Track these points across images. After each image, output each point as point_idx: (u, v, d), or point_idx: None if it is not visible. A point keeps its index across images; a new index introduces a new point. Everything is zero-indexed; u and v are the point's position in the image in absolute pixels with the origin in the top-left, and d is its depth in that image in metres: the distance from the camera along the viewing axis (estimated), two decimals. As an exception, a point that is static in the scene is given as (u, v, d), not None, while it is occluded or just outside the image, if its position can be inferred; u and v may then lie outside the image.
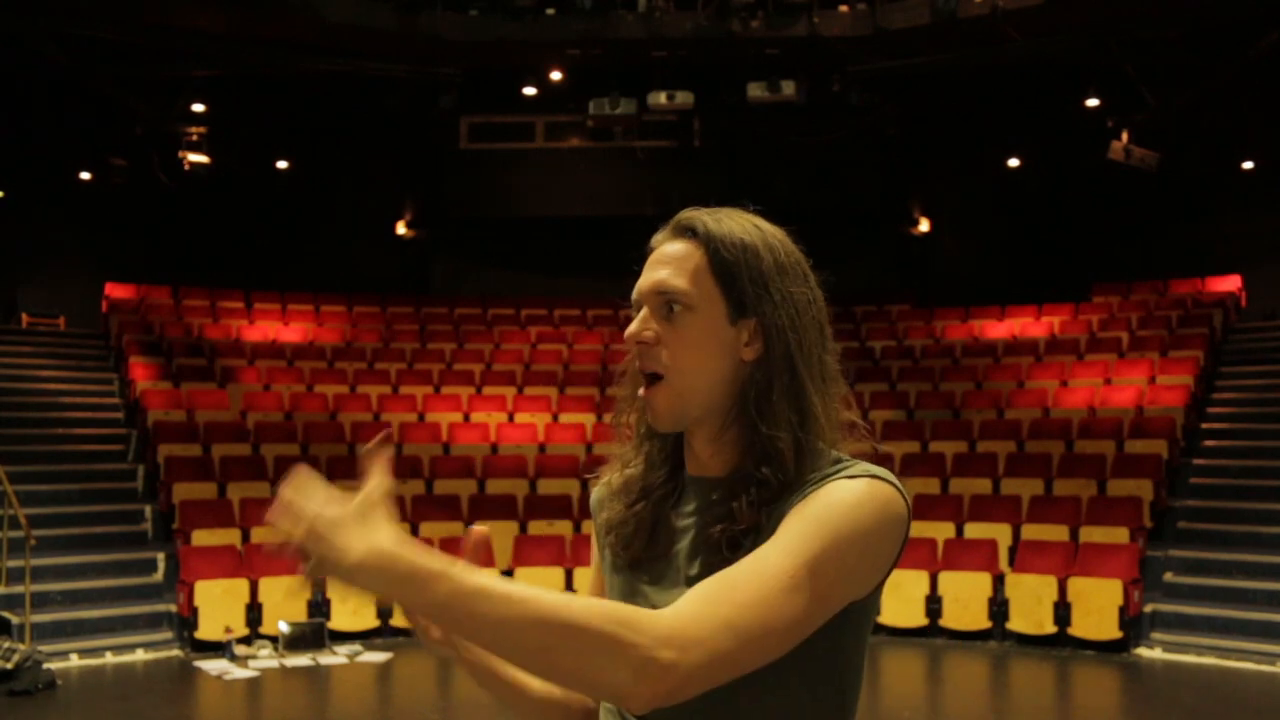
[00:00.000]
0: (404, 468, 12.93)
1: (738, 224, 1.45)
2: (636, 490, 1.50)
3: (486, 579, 1.16)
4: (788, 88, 12.89)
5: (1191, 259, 16.19)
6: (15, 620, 9.53)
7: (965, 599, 10.81)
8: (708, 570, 1.33)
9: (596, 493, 1.59)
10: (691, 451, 1.48)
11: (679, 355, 1.40)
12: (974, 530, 11.50)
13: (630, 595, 1.46)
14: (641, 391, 1.44)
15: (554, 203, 17.34)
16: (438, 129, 15.94)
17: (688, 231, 1.46)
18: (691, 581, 1.36)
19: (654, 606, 1.25)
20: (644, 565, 1.47)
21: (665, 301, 1.42)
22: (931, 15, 12.28)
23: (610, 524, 1.51)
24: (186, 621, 10.35)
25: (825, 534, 1.28)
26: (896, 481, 1.36)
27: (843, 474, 1.36)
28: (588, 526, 1.61)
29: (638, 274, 1.48)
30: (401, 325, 16.60)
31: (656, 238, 1.50)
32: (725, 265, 1.42)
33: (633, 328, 1.43)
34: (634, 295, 1.46)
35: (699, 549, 1.41)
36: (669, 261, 1.44)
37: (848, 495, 1.32)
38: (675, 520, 1.47)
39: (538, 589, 1.17)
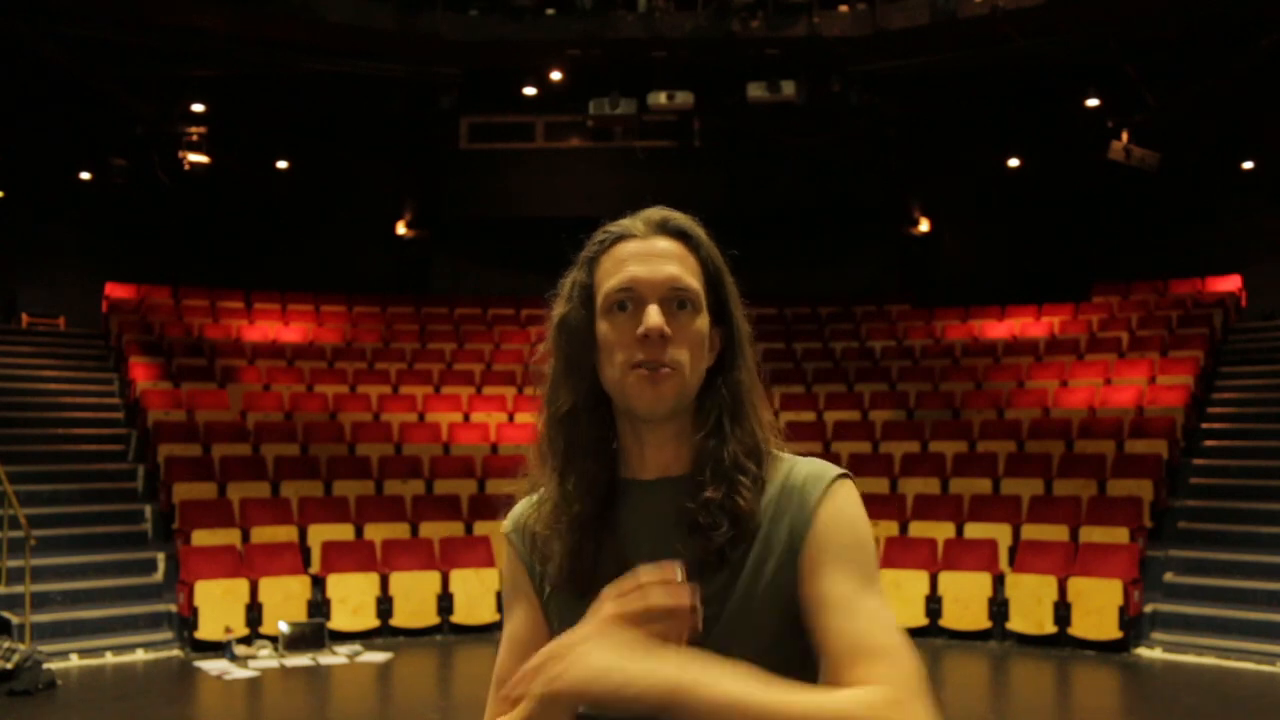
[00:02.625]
0: (404, 468, 12.95)
1: (703, 231, 1.51)
2: (567, 521, 1.45)
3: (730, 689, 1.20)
4: (788, 88, 12.89)
5: (1191, 259, 16.19)
6: (15, 620, 9.53)
7: (965, 599, 10.81)
8: (701, 572, 1.35)
9: (517, 521, 1.54)
10: (639, 454, 1.47)
11: (688, 351, 1.42)
12: (974, 530, 11.50)
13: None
14: (643, 373, 1.40)
15: (554, 203, 17.33)
16: (437, 129, 15.94)
17: (682, 234, 1.47)
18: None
19: None
20: (595, 592, 1.39)
21: (677, 298, 1.43)
22: (931, 15, 12.29)
23: (546, 560, 1.47)
24: (186, 621, 10.35)
25: (864, 554, 1.40)
26: (845, 470, 1.46)
27: (807, 472, 1.44)
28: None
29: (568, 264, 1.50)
30: (401, 325, 16.60)
31: (628, 229, 1.48)
32: (714, 272, 1.48)
33: (658, 321, 1.40)
34: (622, 284, 1.43)
35: (677, 552, 1.37)
36: (671, 258, 1.44)
37: (850, 510, 1.42)
38: (620, 534, 1.44)
39: (757, 693, 1.20)
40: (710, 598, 1.35)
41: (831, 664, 1.32)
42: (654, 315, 1.40)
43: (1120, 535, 10.97)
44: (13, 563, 10.14)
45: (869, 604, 1.34)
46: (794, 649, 1.37)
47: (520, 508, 1.56)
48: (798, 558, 1.38)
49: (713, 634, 1.33)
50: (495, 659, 1.55)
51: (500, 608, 11.84)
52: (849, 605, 1.33)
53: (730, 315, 1.49)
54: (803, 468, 1.45)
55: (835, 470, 1.43)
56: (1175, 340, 14.64)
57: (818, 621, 1.34)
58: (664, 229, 1.48)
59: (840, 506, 1.41)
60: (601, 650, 1.19)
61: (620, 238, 1.48)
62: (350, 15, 12.42)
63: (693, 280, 1.44)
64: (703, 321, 1.44)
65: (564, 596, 1.46)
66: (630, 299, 1.43)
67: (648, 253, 1.45)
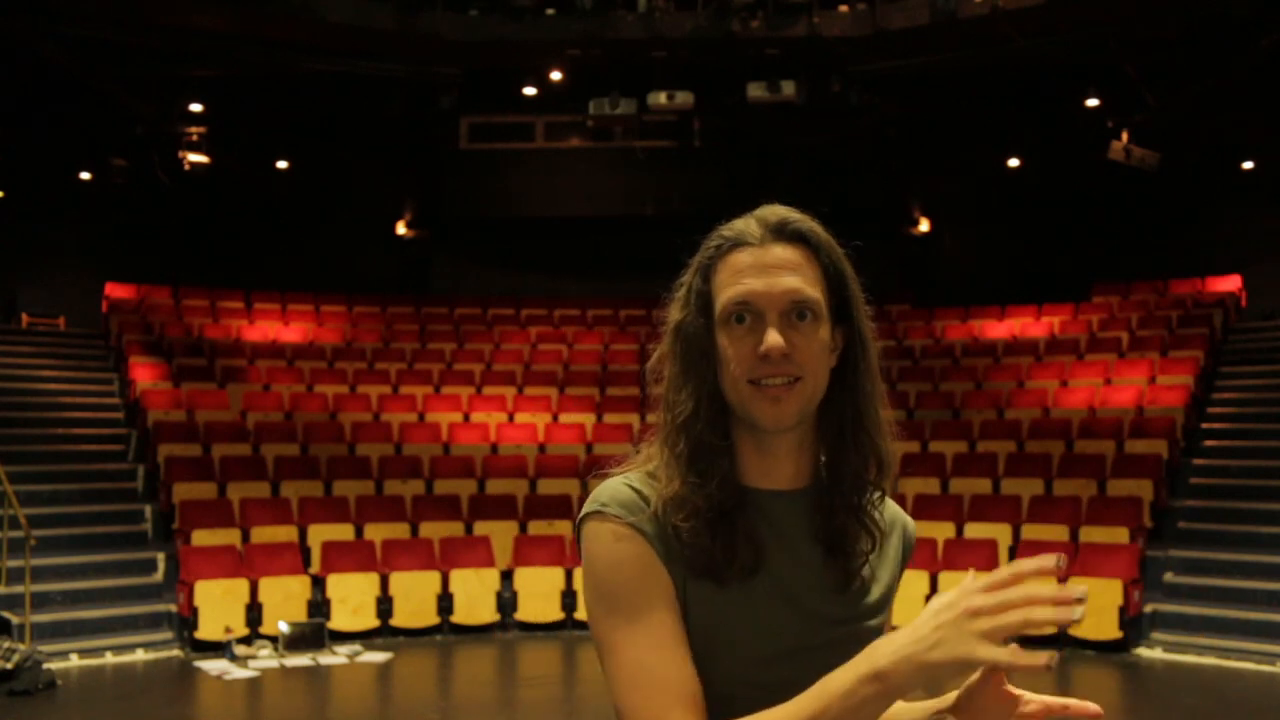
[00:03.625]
0: (404, 468, 12.95)
1: (822, 229, 1.48)
2: (705, 512, 1.39)
3: None
4: (788, 88, 12.89)
5: (1191, 259, 16.19)
6: (15, 620, 9.53)
7: (965, 599, 10.79)
8: (849, 583, 1.44)
9: (636, 511, 1.40)
10: (767, 464, 1.44)
11: (810, 362, 1.40)
12: (974, 530, 11.50)
13: (737, 617, 1.38)
14: (762, 388, 1.38)
15: (554, 203, 17.34)
16: (437, 129, 15.94)
17: (801, 238, 1.44)
18: (833, 592, 1.43)
19: (785, 621, 1.38)
20: (735, 585, 1.39)
21: (799, 309, 1.40)
22: (931, 15, 12.29)
23: (686, 549, 1.38)
24: (186, 621, 10.35)
25: None
26: None
27: (905, 520, 1.59)
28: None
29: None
30: (401, 325, 16.60)
31: (744, 234, 1.44)
32: (837, 275, 1.46)
33: (778, 340, 1.37)
34: (740, 298, 1.39)
35: (821, 561, 1.44)
36: (793, 268, 1.41)
37: None
38: (757, 535, 1.41)
39: None
40: (846, 613, 1.43)
41: None
42: (774, 335, 1.37)
43: (1120, 535, 10.97)
44: (13, 563, 10.14)
45: None
46: None
47: (621, 496, 1.41)
48: (898, 578, 1.53)
49: (851, 646, 1.30)
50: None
51: (500, 607, 11.77)
52: None
53: (853, 316, 1.47)
54: (892, 505, 1.56)
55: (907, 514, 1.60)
56: (1175, 340, 14.64)
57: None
58: (781, 234, 1.44)
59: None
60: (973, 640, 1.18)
61: (736, 244, 1.44)
62: (350, 15, 12.42)
63: (812, 289, 1.41)
64: (825, 330, 1.42)
65: (705, 586, 1.38)
66: (748, 312, 1.40)
67: (765, 263, 1.41)
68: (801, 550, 1.42)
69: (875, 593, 1.47)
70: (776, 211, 1.46)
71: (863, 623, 1.44)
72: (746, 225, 1.45)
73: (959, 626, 1.16)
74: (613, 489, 1.42)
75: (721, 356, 1.41)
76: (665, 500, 1.40)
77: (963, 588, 1.20)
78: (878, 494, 1.48)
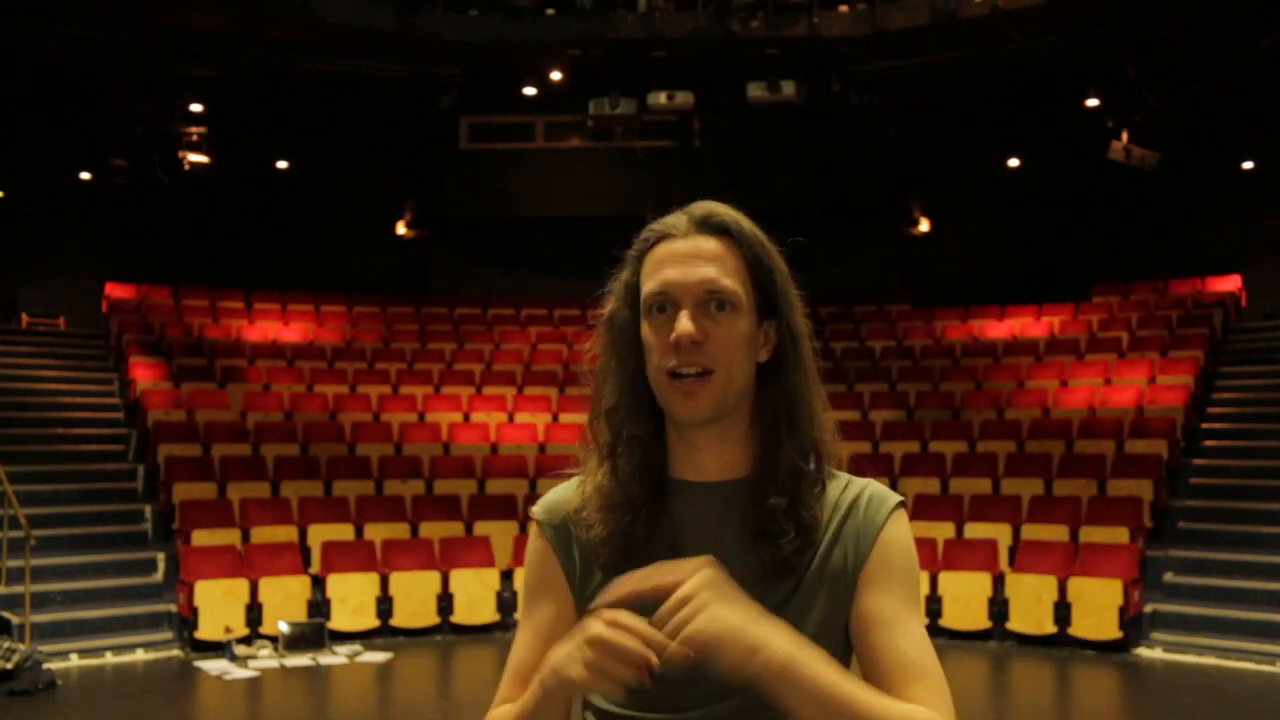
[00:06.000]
0: (404, 468, 12.95)
1: (753, 225, 1.47)
2: (619, 503, 1.44)
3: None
4: (788, 88, 12.89)
5: (1191, 259, 16.19)
6: (15, 620, 9.53)
7: (965, 599, 10.81)
8: (768, 579, 1.38)
9: (552, 510, 1.51)
10: (692, 457, 1.45)
11: (725, 352, 1.40)
12: (974, 530, 11.50)
13: (643, 613, 1.42)
14: (676, 382, 1.39)
15: (554, 203, 17.34)
16: (437, 129, 15.95)
17: (723, 230, 1.44)
18: (748, 590, 1.36)
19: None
20: None
21: (714, 300, 1.40)
22: (931, 15, 12.29)
23: (596, 541, 1.45)
24: (186, 621, 10.35)
25: (916, 580, 1.46)
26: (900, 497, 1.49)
27: (871, 493, 1.47)
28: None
29: (615, 262, 1.48)
30: (401, 325, 16.60)
31: (670, 227, 1.45)
32: (761, 267, 1.44)
33: (688, 327, 1.38)
34: (658, 288, 1.41)
35: (739, 556, 1.38)
36: (710, 259, 1.41)
37: (907, 537, 1.47)
38: (675, 529, 1.43)
39: (849, 685, 1.25)
40: (775, 604, 1.36)
41: (881, 677, 1.36)
42: (684, 322, 1.38)
43: (1120, 535, 10.97)
44: (13, 563, 10.14)
45: (917, 628, 1.41)
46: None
47: (553, 496, 1.54)
48: (858, 574, 1.42)
49: None
50: (496, 657, 1.56)
51: (500, 607, 11.80)
52: (903, 625, 1.39)
53: (781, 311, 1.46)
54: (866, 487, 1.47)
55: (897, 496, 1.47)
56: (1175, 340, 14.64)
57: (870, 636, 1.38)
58: (705, 226, 1.44)
59: (901, 532, 1.45)
60: (733, 609, 1.20)
61: (663, 237, 1.45)
62: (350, 15, 12.42)
63: (730, 280, 1.41)
64: (744, 322, 1.41)
65: (614, 578, 1.41)
66: (667, 302, 1.41)
67: (685, 253, 1.42)
68: (725, 541, 1.41)
69: (805, 586, 1.41)
70: (705, 205, 1.47)
71: (785, 612, 1.36)
72: (675, 219, 1.47)
73: (579, 650, 1.22)
74: (552, 490, 1.54)
75: (645, 346, 1.43)
76: (585, 494, 1.48)
77: (597, 606, 1.24)
78: (817, 487, 1.45)
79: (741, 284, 1.42)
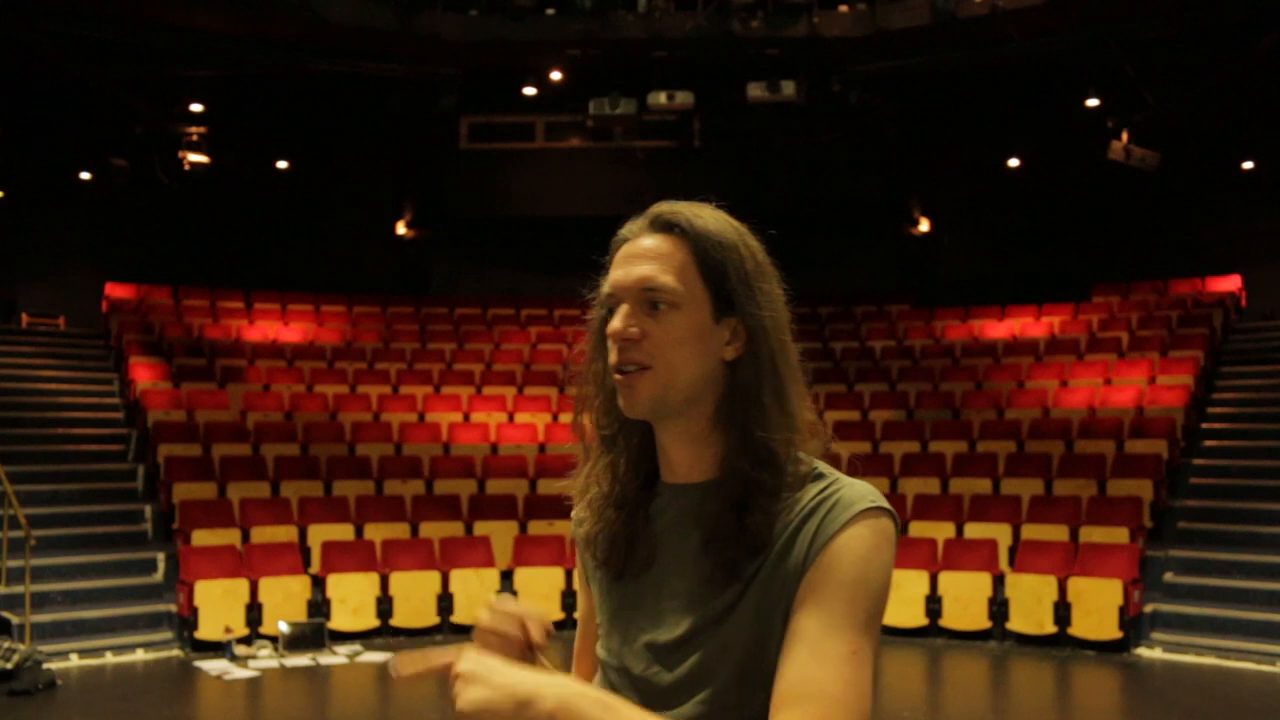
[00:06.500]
0: (404, 468, 12.95)
1: (715, 221, 1.44)
2: (608, 501, 1.48)
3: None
4: (788, 88, 12.89)
5: (1191, 259, 16.20)
6: (15, 620, 9.54)
7: (965, 599, 10.81)
8: (713, 585, 1.36)
9: (577, 511, 1.57)
10: (665, 457, 1.46)
11: (664, 351, 1.38)
12: (974, 530, 11.50)
13: (625, 609, 1.45)
14: (618, 377, 1.40)
15: (554, 203, 17.34)
16: (438, 129, 15.93)
17: (669, 227, 1.43)
18: (694, 596, 1.38)
19: (652, 621, 1.40)
20: (629, 579, 1.45)
21: (651, 299, 1.39)
22: (931, 15, 12.29)
23: (589, 538, 1.50)
24: (186, 621, 10.35)
25: (866, 594, 1.31)
26: (886, 503, 1.37)
27: (840, 496, 1.36)
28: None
29: (601, 267, 1.48)
30: (401, 325, 16.60)
31: (629, 229, 1.47)
32: (712, 263, 1.40)
33: (617, 324, 1.39)
34: (608, 290, 1.43)
35: (693, 560, 1.39)
36: (653, 257, 1.41)
37: (864, 547, 1.33)
38: (654, 529, 1.45)
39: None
40: (719, 610, 1.35)
41: (770, 699, 1.29)
42: (615, 321, 1.40)
43: (1120, 535, 10.97)
44: (13, 563, 10.14)
45: (838, 647, 1.27)
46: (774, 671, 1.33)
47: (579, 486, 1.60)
48: (799, 583, 1.32)
49: (710, 645, 1.35)
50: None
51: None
52: (813, 644, 1.28)
53: (743, 308, 1.41)
54: (838, 490, 1.37)
55: (870, 502, 1.34)
56: (1175, 340, 14.64)
57: (782, 653, 1.30)
58: (654, 225, 1.44)
59: (856, 540, 1.32)
60: (490, 678, 1.22)
61: (623, 240, 1.47)
62: (350, 15, 12.42)
63: (669, 278, 1.39)
64: (690, 318, 1.39)
65: (604, 577, 1.49)
66: (614, 302, 1.43)
67: (630, 254, 1.43)
68: (688, 544, 1.41)
69: (751, 595, 1.35)
70: (662, 205, 1.46)
71: (728, 620, 1.35)
72: (635, 220, 1.48)
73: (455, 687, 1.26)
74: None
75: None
76: (577, 492, 1.54)
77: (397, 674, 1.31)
78: (783, 491, 1.37)
79: (684, 281, 1.39)
